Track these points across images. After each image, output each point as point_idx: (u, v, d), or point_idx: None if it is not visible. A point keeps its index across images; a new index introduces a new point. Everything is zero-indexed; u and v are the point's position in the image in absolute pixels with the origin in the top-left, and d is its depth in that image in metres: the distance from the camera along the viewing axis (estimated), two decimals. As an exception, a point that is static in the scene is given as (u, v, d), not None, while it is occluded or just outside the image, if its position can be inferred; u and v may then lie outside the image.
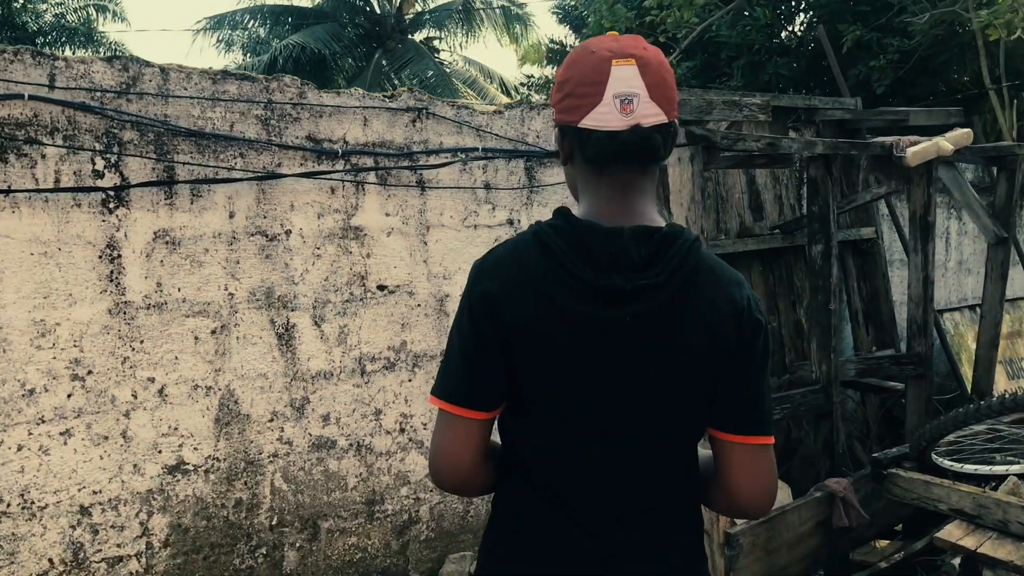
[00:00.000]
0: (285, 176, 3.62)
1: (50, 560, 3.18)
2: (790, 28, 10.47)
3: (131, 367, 3.31)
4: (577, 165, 1.43)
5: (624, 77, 1.33)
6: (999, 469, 3.57)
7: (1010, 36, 7.06)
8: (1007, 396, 3.06)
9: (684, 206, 3.43)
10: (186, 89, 3.42)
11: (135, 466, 3.34)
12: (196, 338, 3.45)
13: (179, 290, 3.41)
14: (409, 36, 19.81)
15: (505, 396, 1.40)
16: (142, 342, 3.33)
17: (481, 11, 20.42)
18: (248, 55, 19.41)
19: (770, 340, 1.48)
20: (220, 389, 3.51)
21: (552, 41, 18.66)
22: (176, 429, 3.42)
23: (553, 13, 15.63)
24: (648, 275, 1.32)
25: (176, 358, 3.41)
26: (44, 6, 18.69)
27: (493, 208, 4.23)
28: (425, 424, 4.04)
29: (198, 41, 24.18)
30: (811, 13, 9.70)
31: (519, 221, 4.32)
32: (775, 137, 3.67)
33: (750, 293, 1.41)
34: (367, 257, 3.86)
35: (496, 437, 1.50)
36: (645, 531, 1.45)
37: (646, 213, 1.39)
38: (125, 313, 3.29)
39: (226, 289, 3.51)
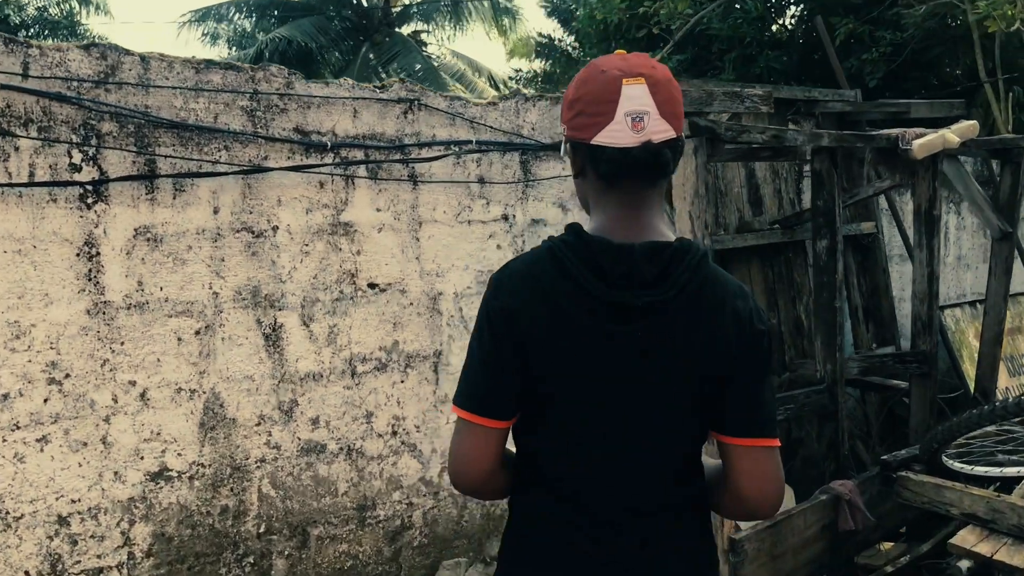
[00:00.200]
0: (272, 170, 3.47)
1: (26, 572, 3.03)
2: (781, 21, 10.40)
3: (111, 370, 3.16)
4: (589, 179, 1.48)
5: (635, 96, 1.38)
6: (1011, 471, 3.47)
7: (1008, 28, 6.96)
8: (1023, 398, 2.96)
9: (688, 200, 3.30)
10: (168, 79, 3.27)
11: (116, 473, 3.19)
12: (179, 339, 3.30)
13: (161, 289, 3.26)
14: (396, 29, 19.60)
15: (520, 406, 1.46)
16: (122, 344, 3.18)
17: (469, 4, 20.24)
18: (234, 48, 19.19)
19: (773, 345, 1.56)
20: (205, 392, 3.37)
21: (541, 35, 18.51)
22: (159, 434, 3.27)
23: (541, 7, 15.47)
24: (658, 292, 1.38)
25: (158, 360, 3.26)
26: (26, -1, 18.43)
27: (487, 203, 4.10)
28: (418, 427, 3.91)
29: (183, 34, 23.97)
30: (802, 6, 9.62)
31: (514, 216, 4.19)
32: (780, 129, 3.54)
33: (753, 304, 1.47)
34: (357, 254, 3.72)
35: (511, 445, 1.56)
36: (647, 537, 1.49)
37: (656, 227, 1.45)
38: (104, 313, 3.14)
39: (210, 288, 3.37)
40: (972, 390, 5.26)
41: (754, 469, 1.47)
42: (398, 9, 20.00)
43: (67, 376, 3.08)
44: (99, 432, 3.15)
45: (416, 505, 3.93)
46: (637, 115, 1.37)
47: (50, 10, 19.07)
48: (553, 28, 17.79)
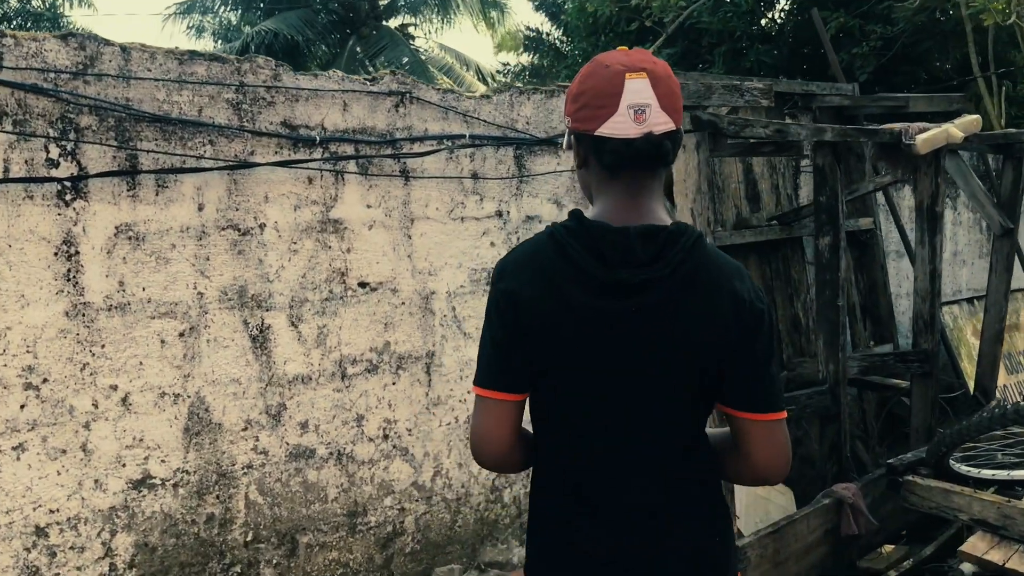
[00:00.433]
0: (259, 165, 3.34)
1: (3, 586, 2.91)
2: (771, 15, 10.33)
3: (91, 374, 3.03)
4: (592, 169, 1.54)
5: (637, 89, 1.44)
6: (1018, 474, 3.38)
7: (1005, 22, 6.90)
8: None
9: (689, 197, 3.19)
10: (150, 70, 3.13)
11: (96, 481, 3.06)
12: (163, 341, 3.18)
13: (144, 289, 3.13)
14: (384, 22, 19.42)
15: (530, 381, 1.52)
16: (103, 346, 3.05)
17: (457, -4, 20.08)
18: (219, 42, 18.98)
19: (774, 324, 1.61)
20: (189, 396, 3.24)
21: (529, 28, 18.39)
22: (141, 440, 3.15)
23: (530, 0, 15.32)
24: (653, 270, 1.43)
25: (141, 363, 3.13)
26: (8, -10, 18.15)
27: (481, 199, 3.98)
28: (410, 430, 3.80)
29: (168, 27, 23.77)
30: (792, 0, 9.57)
31: (508, 213, 4.07)
32: (784, 123, 3.44)
33: (751, 284, 1.51)
34: (347, 252, 3.60)
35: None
36: (651, 530, 1.54)
37: (655, 212, 1.50)
38: (84, 315, 3.02)
39: (195, 288, 3.24)
40: (972, 389, 5.19)
41: (766, 441, 1.53)
42: (385, 2, 19.82)
43: (45, 381, 2.95)
44: (79, 439, 3.02)
45: (408, 510, 3.82)
46: (639, 108, 1.44)
47: (32, 2, 18.80)
48: (541, 22, 17.69)
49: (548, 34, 17.37)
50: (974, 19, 7.67)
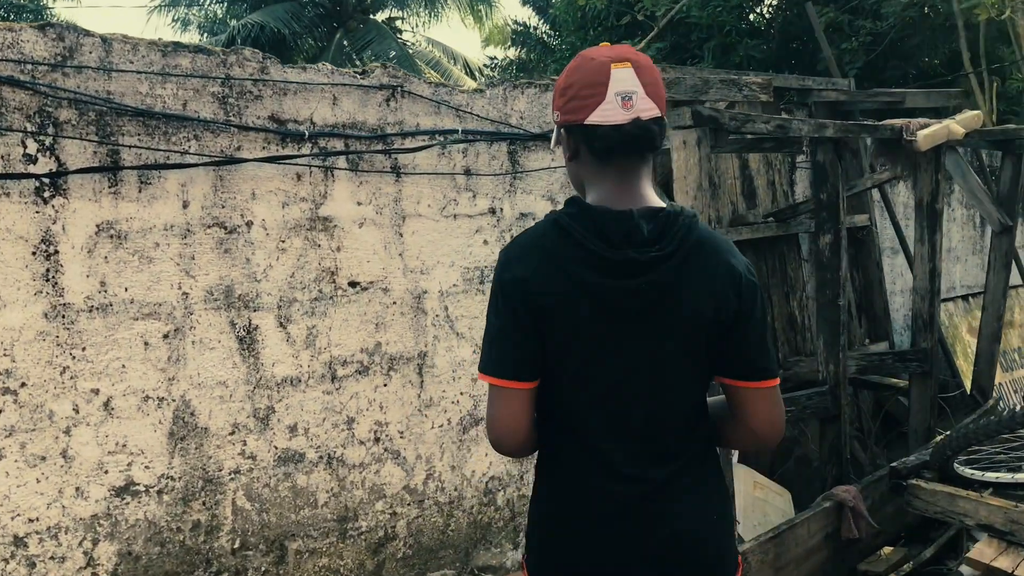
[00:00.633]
0: (246, 161, 3.24)
1: (-20, 598, 2.80)
2: (759, 10, 10.28)
3: (71, 378, 2.92)
4: (583, 159, 1.60)
5: (623, 78, 1.51)
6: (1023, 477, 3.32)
7: (1000, 16, 6.84)
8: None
9: (690, 194, 3.10)
10: (132, 62, 3.02)
11: (77, 489, 2.95)
12: (146, 343, 3.07)
13: (126, 290, 3.02)
14: (371, 16, 19.25)
15: (541, 367, 1.57)
16: (84, 349, 2.94)
17: (445, -10, 19.92)
18: (205, 35, 18.76)
19: (764, 297, 1.70)
20: (174, 400, 3.14)
21: (516, 22, 18.27)
22: (124, 446, 3.04)
23: (516, -6, 15.20)
24: (658, 248, 1.51)
25: (123, 366, 3.03)
26: (-11, -18, 17.88)
27: (474, 196, 3.89)
28: (402, 433, 3.70)
29: (152, 20, 23.51)
30: (781, -6, 9.54)
31: (501, 210, 3.98)
32: (785, 119, 3.36)
33: (743, 258, 1.61)
34: (337, 251, 3.50)
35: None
36: (664, 485, 1.61)
37: (648, 195, 1.57)
38: (64, 317, 2.90)
39: (180, 288, 3.13)
40: (968, 387, 5.14)
41: (764, 407, 1.64)
42: (372, -5, 19.64)
43: (23, 385, 2.83)
44: (59, 445, 2.91)
45: (400, 515, 3.73)
46: (626, 95, 1.50)
47: (15, -6, 18.53)
48: (528, 16, 17.56)
49: (535, 28, 17.28)
50: (965, 14, 7.63)
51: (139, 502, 3.08)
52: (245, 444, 3.30)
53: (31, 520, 2.87)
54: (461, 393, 3.88)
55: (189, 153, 3.12)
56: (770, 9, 10.30)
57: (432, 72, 18.82)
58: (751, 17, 10.05)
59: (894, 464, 3.51)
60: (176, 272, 3.12)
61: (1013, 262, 4.96)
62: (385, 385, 3.65)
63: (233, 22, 17.37)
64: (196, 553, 3.21)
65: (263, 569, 3.37)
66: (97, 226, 2.96)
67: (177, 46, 3.13)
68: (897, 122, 3.91)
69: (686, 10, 8.69)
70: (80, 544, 2.97)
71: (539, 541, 1.70)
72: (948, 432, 4.25)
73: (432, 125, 3.74)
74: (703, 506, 1.65)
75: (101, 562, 3.01)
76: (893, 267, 6.09)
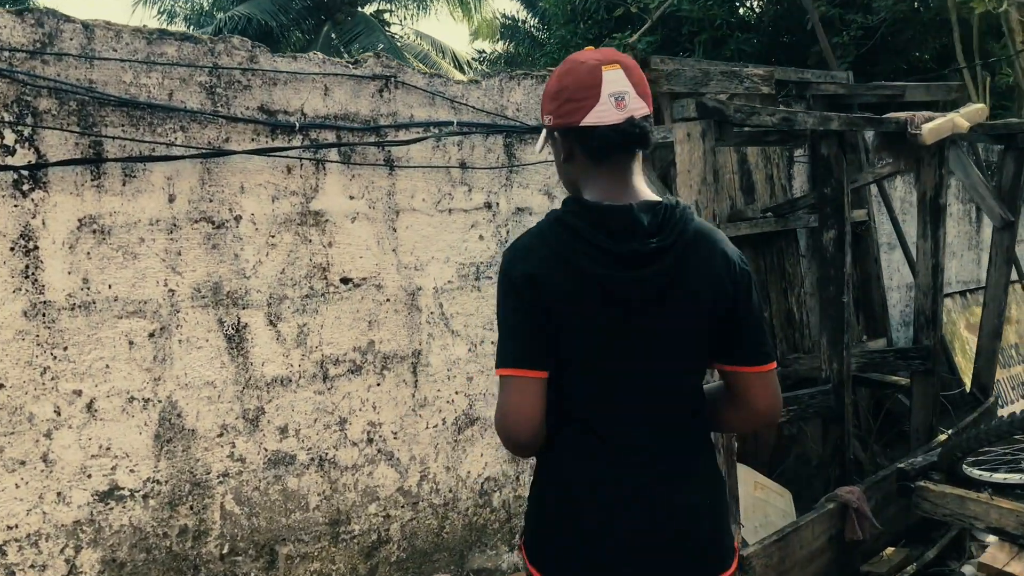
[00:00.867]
0: (234, 153, 3.12)
1: (-43, 608, 2.69)
2: (750, 4, 10.23)
3: (52, 378, 2.81)
4: (577, 161, 1.65)
5: (614, 79, 1.57)
6: (1032, 477, 3.25)
7: (996, 10, 6.79)
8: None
9: (694, 188, 3.01)
10: (115, 50, 2.90)
11: (59, 494, 2.84)
12: (131, 342, 2.95)
13: (110, 287, 2.91)
14: (359, 9, 19.09)
15: (552, 357, 1.61)
16: (66, 349, 2.83)
17: (433, -17, 19.78)
18: (192, 27, 18.55)
19: (758, 285, 1.77)
20: (160, 401, 3.02)
21: (505, 16, 18.14)
22: (108, 449, 2.93)
23: (506, -13, 15.10)
24: (659, 240, 1.57)
25: (107, 366, 2.91)
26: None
27: (469, 190, 3.78)
28: (395, 433, 3.60)
29: (138, 12, 23.21)
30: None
31: (497, 204, 3.87)
32: (791, 111, 3.27)
33: (736, 249, 1.69)
34: (329, 246, 3.39)
35: None
36: (668, 467, 1.66)
37: (643, 189, 1.63)
38: (44, 315, 2.79)
39: (166, 285, 3.02)
40: (968, 384, 5.08)
41: (764, 389, 1.70)
42: (360, -13, 19.46)
43: (0, 387, 2.72)
44: (39, 449, 2.79)
45: (394, 517, 3.63)
46: (619, 95, 1.56)
47: (-4, -15, 18.28)
48: (517, 9, 17.47)
49: (524, 22, 17.18)
50: (960, 8, 7.58)
51: (124, 507, 2.97)
52: (234, 446, 3.19)
53: (10, 527, 2.75)
54: (456, 392, 3.78)
55: (175, 145, 3.01)
56: (761, 3, 10.25)
57: (421, 65, 18.64)
58: (742, 11, 10.01)
59: (901, 465, 3.43)
60: (162, 268, 3.01)
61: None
62: (378, 384, 3.55)
63: (219, 15, 17.19)
64: (183, 559, 3.10)
65: (252, 575, 3.26)
66: (79, 221, 2.84)
67: (163, 33, 3.02)
68: (902, 115, 3.83)
69: (677, 3, 8.63)
70: (62, 551, 2.85)
71: (543, 524, 1.72)
72: (950, 431, 4.19)
73: (426, 117, 3.63)
74: (705, 489, 1.71)
75: (84, 570, 2.89)
76: (890, 263, 6.03)
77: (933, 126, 3.79)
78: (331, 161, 3.37)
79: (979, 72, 8.26)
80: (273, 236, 3.25)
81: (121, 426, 2.95)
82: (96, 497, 2.91)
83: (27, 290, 2.75)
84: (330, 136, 3.36)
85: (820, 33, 6.04)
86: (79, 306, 2.85)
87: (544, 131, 1.70)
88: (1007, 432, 2.89)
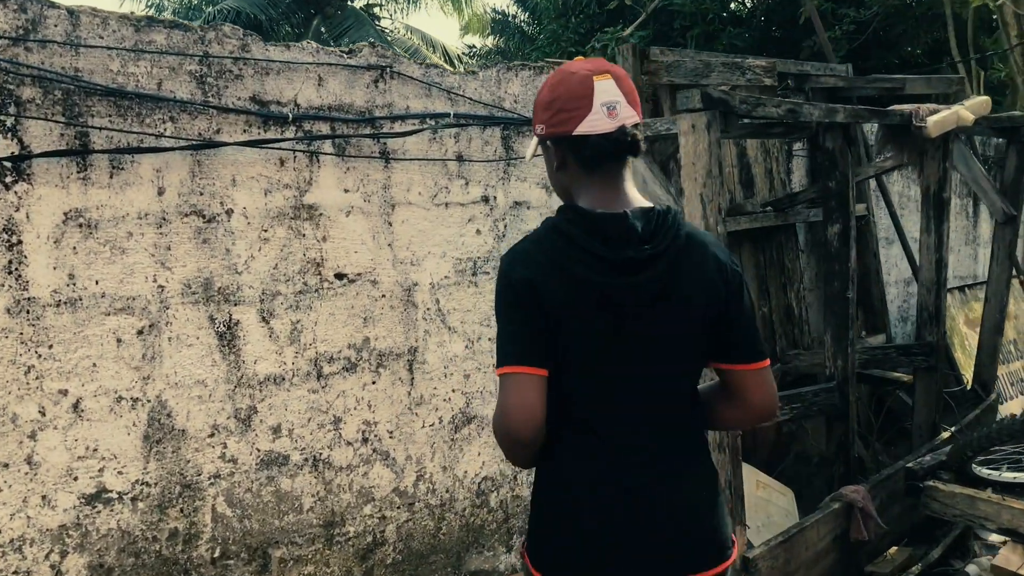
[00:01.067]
0: (225, 145, 3.03)
1: (-62, 616, 2.59)
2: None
3: (37, 378, 2.71)
4: (570, 170, 1.68)
5: (606, 89, 1.60)
6: (1041, 476, 3.19)
7: (996, 3, 6.74)
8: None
9: (699, 181, 2.93)
10: (102, 38, 2.80)
11: (44, 497, 2.74)
12: (119, 340, 2.86)
13: (97, 283, 2.81)
14: (349, 2, 18.95)
15: (551, 359, 1.62)
16: (51, 347, 2.73)
17: (424, -23, 19.65)
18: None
19: (748, 285, 1.78)
20: (149, 400, 2.93)
21: (495, 11, 18.03)
22: (95, 450, 2.83)
23: (495, -18, 15.02)
24: (653, 245, 1.61)
25: (94, 365, 2.81)
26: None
27: (466, 183, 3.70)
28: (391, 433, 3.51)
29: (126, 5, 22.98)
30: (764, -19, 9.48)
31: (495, 198, 3.79)
32: (797, 103, 3.19)
33: (727, 251, 1.73)
34: (323, 241, 3.30)
35: None
36: (667, 466, 1.69)
37: (635, 196, 1.67)
38: (29, 312, 2.69)
39: (155, 281, 2.92)
40: (969, 381, 5.03)
41: (760, 386, 1.74)
42: (350, -19, 19.31)
43: (-16, 386, 2.62)
44: (23, 451, 2.69)
45: (389, 519, 3.54)
46: (611, 104, 1.60)
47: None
48: (507, 4, 17.38)
49: (515, 16, 17.08)
50: (955, 2, 7.53)
51: (111, 510, 2.87)
52: (225, 447, 3.10)
53: (-6, 532, 2.66)
54: (453, 390, 3.69)
55: (165, 136, 2.91)
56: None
57: (411, 60, 18.55)
58: (734, 5, 9.96)
59: (909, 465, 3.37)
60: (151, 264, 2.91)
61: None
62: (373, 383, 3.46)
63: (208, 8, 17.01)
64: (174, 563, 3.01)
65: (245, 579, 3.17)
66: (65, 214, 2.74)
67: (151, 21, 2.92)
68: (906, 107, 3.77)
69: (669, -2, 8.59)
70: (47, 557, 2.75)
71: (543, 525, 1.74)
72: (953, 428, 4.13)
73: (423, 108, 3.54)
74: (703, 487, 1.74)
75: (70, 575, 2.80)
76: (888, 257, 5.97)
77: (938, 118, 3.72)
78: (325, 153, 3.28)
79: (973, 66, 8.22)
80: (266, 230, 3.16)
81: (109, 427, 2.85)
82: (83, 500, 2.82)
83: (10, 286, 2.65)
84: (324, 128, 3.27)
85: (818, 26, 5.97)
86: (65, 302, 2.75)
87: (535, 139, 1.73)
88: (1020, 431, 2.83)
